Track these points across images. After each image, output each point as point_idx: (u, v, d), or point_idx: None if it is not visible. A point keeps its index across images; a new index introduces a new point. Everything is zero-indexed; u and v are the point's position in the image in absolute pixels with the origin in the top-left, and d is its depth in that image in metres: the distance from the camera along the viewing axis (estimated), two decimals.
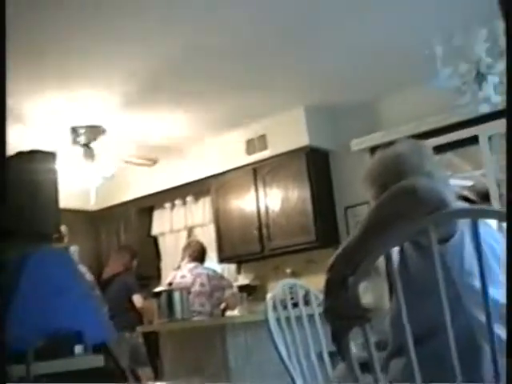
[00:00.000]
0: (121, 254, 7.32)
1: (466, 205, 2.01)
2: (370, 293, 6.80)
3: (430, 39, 4.35)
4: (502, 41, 3.97)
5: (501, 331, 1.72)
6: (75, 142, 6.76)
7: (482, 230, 1.58)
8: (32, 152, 3.40)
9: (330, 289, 1.67)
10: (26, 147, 3.58)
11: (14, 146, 5.98)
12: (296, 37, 5.10)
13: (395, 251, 1.93)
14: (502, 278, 1.89)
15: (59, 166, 3.50)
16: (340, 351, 1.68)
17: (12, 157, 3.44)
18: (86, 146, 6.77)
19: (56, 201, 3.37)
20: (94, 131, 6.74)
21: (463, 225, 1.79)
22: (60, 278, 1.90)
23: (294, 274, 6.78)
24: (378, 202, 1.75)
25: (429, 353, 1.73)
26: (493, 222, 2.11)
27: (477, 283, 1.61)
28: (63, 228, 4.56)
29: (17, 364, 2.32)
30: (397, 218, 1.64)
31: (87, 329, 1.90)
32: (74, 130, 6.70)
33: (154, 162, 7.49)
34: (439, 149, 5.95)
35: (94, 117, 6.47)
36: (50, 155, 3.40)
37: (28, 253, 1.93)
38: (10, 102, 5.57)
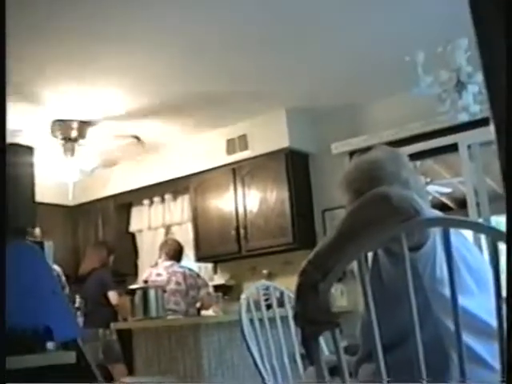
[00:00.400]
0: (97, 250, 7.29)
1: (439, 213, 2.02)
2: (346, 296, 6.84)
3: (412, 47, 4.38)
4: None
5: (470, 340, 1.74)
6: (55, 135, 6.73)
7: (454, 239, 1.60)
8: (9, 145, 3.38)
9: (300, 293, 1.68)
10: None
11: None
12: (280, 39, 5.11)
13: (369, 257, 1.94)
14: (474, 287, 1.91)
15: (38, 159, 3.48)
16: (309, 355, 1.69)
17: None
18: (66, 140, 6.74)
19: (32, 195, 3.35)
20: (75, 126, 6.71)
21: (436, 233, 1.81)
22: (30, 273, 1.90)
23: (271, 275, 6.80)
24: (351, 208, 1.76)
25: (398, 359, 1.74)
26: (467, 233, 2.13)
27: (447, 291, 1.62)
28: (37, 230, 4.53)
29: None
30: (369, 224, 1.65)
31: (56, 325, 1.89)
32: (55, 124, 6.67)
33: (138, 139, 7.43)
34: (419, 155, 6.00)
35: (76, 111, 6.44)
36: (28, 149, 3.38)
37: None
38: None
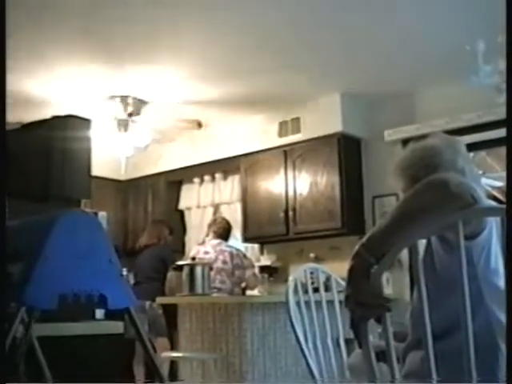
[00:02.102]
0: (158, 226, 7.42)
1: (494, 204, 2.00)
2: (391, 284, 6.80)
3: (472, 35, 4.30)
4: None
5: None
6: (110, 110, 6.80)
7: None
8: (68, 117, 3.43)
9: (353, 276, 1.68)
10: (62, 111, 3.61)
11: (49, 106, 6.05)
12: (337, 24, 5.07)
13: (421, 244, 1.93)
14: None
15: (93, 133, 3.52)
16: (357, 338, 1.69)
17: (47, 120, 3.47)
18: (122, 115, 6.81)
19: (88, 168, 3.40)
20: (131, 102, 6.77)
21: (492, 223, 1.79)
22: (88, 241, 1.93)
23: (318, 259, 6.79)
24: (408, 194, 1.74)
25: (447, 347, 1.73)
26: None
27: (501, 282, 1.61)
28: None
29: (40, 323, 2.37)
30: (426, 211, 1.63)
31: (111, 293, 1.92)
32: (111, 99, 6.73)
33: (200, 124, 7.48)
34: (473, 146, 5.90)
35: (132, 87, 6.50)
36: (86, 121, 3.43)
37: (57, 215, 1.96)
38: (51, 62, 5.66)
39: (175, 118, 7.18)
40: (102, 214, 3.80)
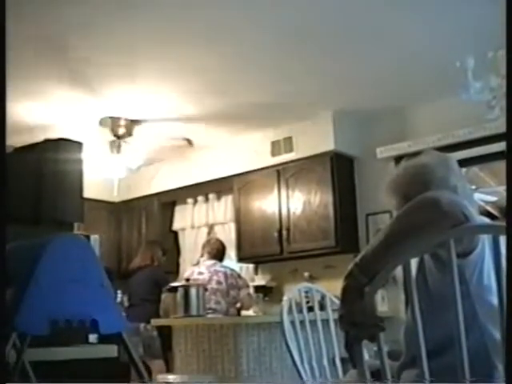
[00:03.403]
0: (151, 247, 7.39)
1: (488, 220, 2.00)
2: (387, 302, 6.77)
3: (462, 51, 4.33)
4: None
5: None
6: (103, 132, 6.79)
7: (503, 246, 1.58)
8: (59, 140, 3.43)
9: (346, 296, 1.67)
10: (53, 134, 3.63)
11: (41, 130, 6.04)
12: (329, 41, 5.09)
13: (414, 262, 1.93)
14: None
15: (85, 154, 3.53)
16: (352, 358, 1.68)
17: (39, 143, 3.48)
18: (114, 137, 6.81)
19: (80, 191, 3.40)
20: (123, 123, 6.77)
21: (484, 240, 1.78)
22: (79, 266, 1.92)
23: (312, 278, 6.77)
24: (400, 212, 1.74)
25: (441, 365, 1.72)
26: None
27: (494, 299, 1.60)
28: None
29: (33, 348, 2.35)
30: (418, 229, 1.64)
31: (102, 318, 1.91)
32: (104, 120, 6.73)
33: (190, 142, 7.47)
34: (465, 162, 5.92)
35: (125, 109, 6.50)
36: (78, 144, 3.43)
37: (48, 239, 1.95)
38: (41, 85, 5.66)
39: (166, 137, 7.18)
40: (95, 237, 3.80)
